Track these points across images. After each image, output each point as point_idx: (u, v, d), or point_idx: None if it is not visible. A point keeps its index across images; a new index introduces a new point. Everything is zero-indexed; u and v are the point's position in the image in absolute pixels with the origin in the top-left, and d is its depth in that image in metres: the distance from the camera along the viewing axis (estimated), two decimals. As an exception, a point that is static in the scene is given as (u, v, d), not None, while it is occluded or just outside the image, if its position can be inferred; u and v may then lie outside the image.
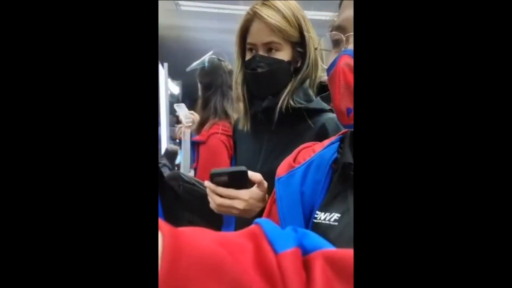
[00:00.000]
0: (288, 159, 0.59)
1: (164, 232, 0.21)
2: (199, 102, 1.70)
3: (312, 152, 0.57)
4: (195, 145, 1.64)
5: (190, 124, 1.81)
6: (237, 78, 0.95)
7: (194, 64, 1.75)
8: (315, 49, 0.88)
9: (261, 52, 0.89)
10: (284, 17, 0.87)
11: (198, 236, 0.22)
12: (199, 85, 1.71)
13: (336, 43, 0.50)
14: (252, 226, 0.25)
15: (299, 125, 0.89)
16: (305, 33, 0.88)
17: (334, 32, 0.49)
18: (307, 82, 0.91)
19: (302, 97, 0.90)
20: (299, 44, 0.90)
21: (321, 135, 0.85)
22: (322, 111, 0.90)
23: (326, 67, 0.50)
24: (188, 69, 1.80)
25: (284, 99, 0.88)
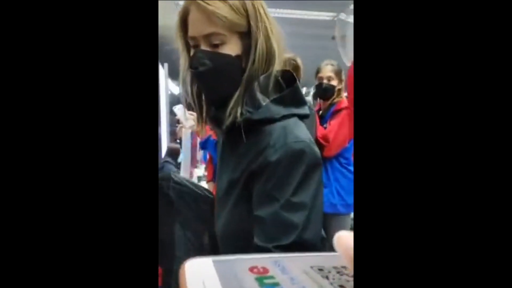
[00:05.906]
0: None
1: None
2: None
3: None
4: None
5: (192, 124, 1.78)
6: (184, 78, 0.78)
7: None
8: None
9: (204, 47, 0.72)
10: (226, 2, 0.69)
11: None
12: None
13: None
14: None
15: (248, 138, 0.73)
16: (251, 22, 0.71)
17: None
18: (256, 83, 0.73)
19: (250, 104, 0.73)
20: (248, 34, 0.72)
21: (260, 152, 0.71)
22: (269, 121, 0.73)
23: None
24: None
25: (231, 111, 0.72)
